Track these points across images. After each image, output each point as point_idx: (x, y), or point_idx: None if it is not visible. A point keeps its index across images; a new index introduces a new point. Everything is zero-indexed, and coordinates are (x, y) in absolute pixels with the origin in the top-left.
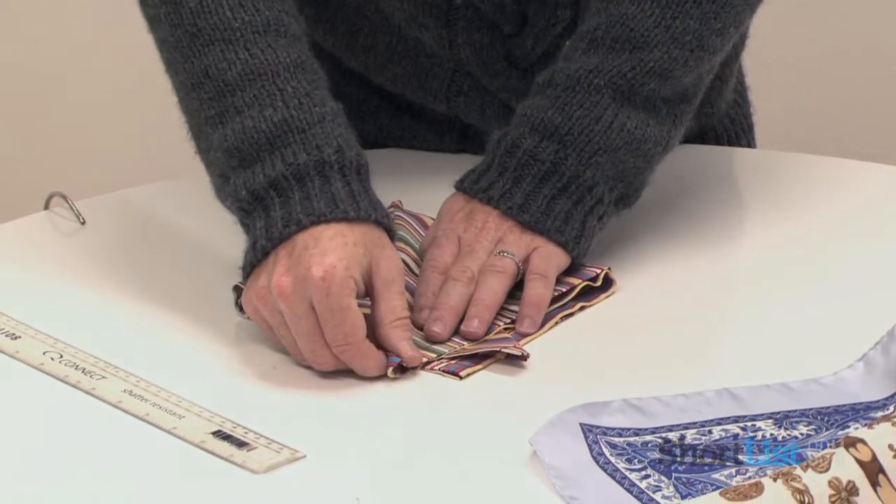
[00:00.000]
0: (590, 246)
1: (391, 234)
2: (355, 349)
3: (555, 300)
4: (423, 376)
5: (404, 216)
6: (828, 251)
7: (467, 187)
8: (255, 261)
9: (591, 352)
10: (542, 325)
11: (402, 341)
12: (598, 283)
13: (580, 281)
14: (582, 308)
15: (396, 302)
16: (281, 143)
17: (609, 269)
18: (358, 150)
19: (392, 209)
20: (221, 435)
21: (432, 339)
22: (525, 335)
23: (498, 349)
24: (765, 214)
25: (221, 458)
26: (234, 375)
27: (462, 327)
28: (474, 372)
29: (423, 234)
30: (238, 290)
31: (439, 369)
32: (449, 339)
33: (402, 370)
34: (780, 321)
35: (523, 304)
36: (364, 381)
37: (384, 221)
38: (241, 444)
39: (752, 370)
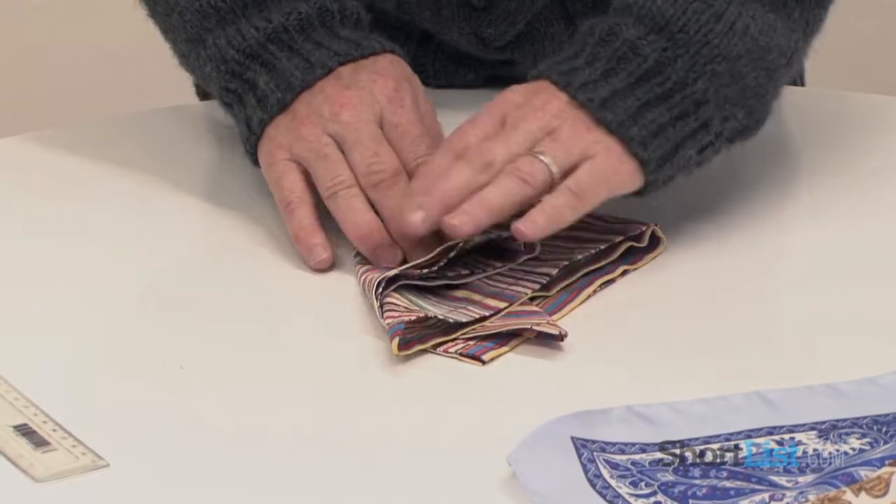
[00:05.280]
0: (672, 180)
1: None
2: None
3: (593, 259)
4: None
5: None
6: (891, 216)
7: (544, 69)
8: (266, 118)
9: (585, 343)
10: (579, 293)
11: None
12: (644, 243)
13: (622, 238)
14: (625, 272)
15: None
16: None
17: (657, 225)
18: (356, 2)
19: None
20: (25, 430)
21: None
22: (521, 236)
23: (528, 326)
24: (817, 172)
25: (7, 457)
26: (99, 358)
27: (444, 219)
28: (500, 355)
29: None
30: None
31: (455, 351)
32: (437, 264)
33: (414, 342)
34: (828, 306)
35: (531, 210)
36: (265, 393)
37: (405, 58)
38: (39, 444)
39: (791, 368)
